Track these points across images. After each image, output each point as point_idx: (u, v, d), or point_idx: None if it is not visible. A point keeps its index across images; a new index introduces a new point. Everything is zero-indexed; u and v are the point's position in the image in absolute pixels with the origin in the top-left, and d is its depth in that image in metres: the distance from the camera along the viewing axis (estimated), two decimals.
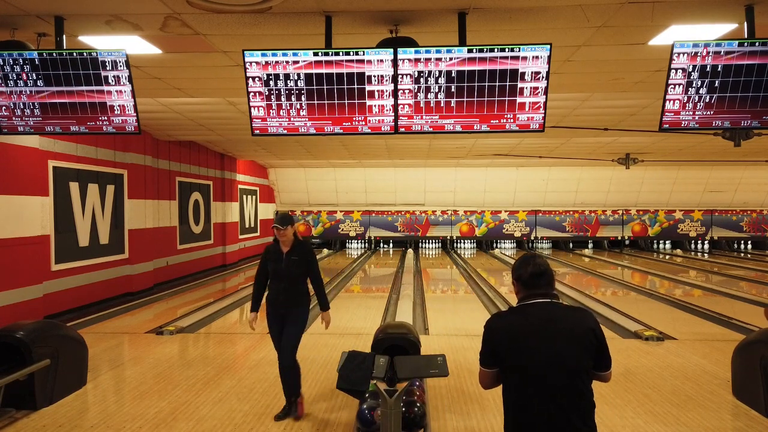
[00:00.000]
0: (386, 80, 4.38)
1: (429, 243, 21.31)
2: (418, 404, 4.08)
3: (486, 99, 4.39)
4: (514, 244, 21.32)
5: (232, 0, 4.07)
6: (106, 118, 4.76)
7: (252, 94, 4.53)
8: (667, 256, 19.37)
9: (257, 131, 4.67)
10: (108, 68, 4.56)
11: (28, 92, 4.69)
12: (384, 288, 11.95)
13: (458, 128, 4.50)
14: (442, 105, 4.42)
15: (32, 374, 4.65)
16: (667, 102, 4.36)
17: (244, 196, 17.64)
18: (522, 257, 2.43)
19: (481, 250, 20.66)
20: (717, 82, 4.27)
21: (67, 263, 8.77)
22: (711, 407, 4.78)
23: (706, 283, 12.84)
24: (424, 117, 4.47)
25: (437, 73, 4.34)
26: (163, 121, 9.87)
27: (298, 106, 4.53)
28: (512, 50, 4.25)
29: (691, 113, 4.38)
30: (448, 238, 20.90)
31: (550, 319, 2.26)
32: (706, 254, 19.94)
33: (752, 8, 4.20)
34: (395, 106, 4.45)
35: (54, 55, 4.52)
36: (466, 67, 4.30)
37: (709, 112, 4.38)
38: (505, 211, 20.81)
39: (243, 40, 4.95)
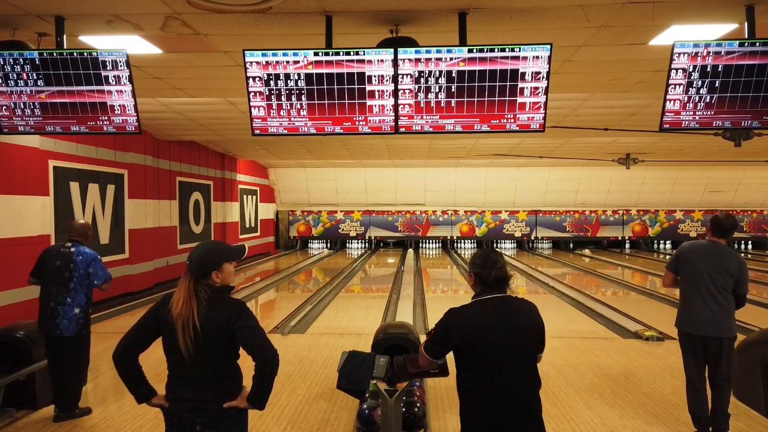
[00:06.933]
0: (386, 80, 4.38)
1: (429, 243, 21.30)
2: (418, 404, 4.08)
3: (486, 99, 4.39)
4: (515, 244, 21.31)
5: (233, 0, 4.07)
6: (106, 117, 4.76)
7: (252, 94, 4.53)
8: (668, 257, 19.36)
9: (257, 131, 4.67)
10: (108, 68, 4.56)
11: (29, 92, 4.69)
12: (384, 288, 11.95)
13: (458, 128, 4.50)
14: (442, 105, 4.42)
15: (32, 374, 4.65)
16: (668, 102, 4.36)
17: (245, 196, 17.64)
18: (483, 254, 2.57)
19: None
20: (717, 82, 4.27)
21: None
22: None
23: None
24: (424, 117, 4.47)
25: (437, 73, 4.33)
26: (163, 121, 9.87)
27: (299, 106, 4.53)
28: (513, 50, 4.25)
29: (691, 113, 4.38)
30: (449, 238, 20.89)
31: (507, 312, 2.50)
32: None
33: (753, 8, 4.20)
34: (395, 106, 4.45)
35: (54, 54, 4.52)
36: (467, 67, 4.30)
37: (709, 112, 4.38)
38: (506, 211, 20.81)
39: (243, 40, 4.95)
